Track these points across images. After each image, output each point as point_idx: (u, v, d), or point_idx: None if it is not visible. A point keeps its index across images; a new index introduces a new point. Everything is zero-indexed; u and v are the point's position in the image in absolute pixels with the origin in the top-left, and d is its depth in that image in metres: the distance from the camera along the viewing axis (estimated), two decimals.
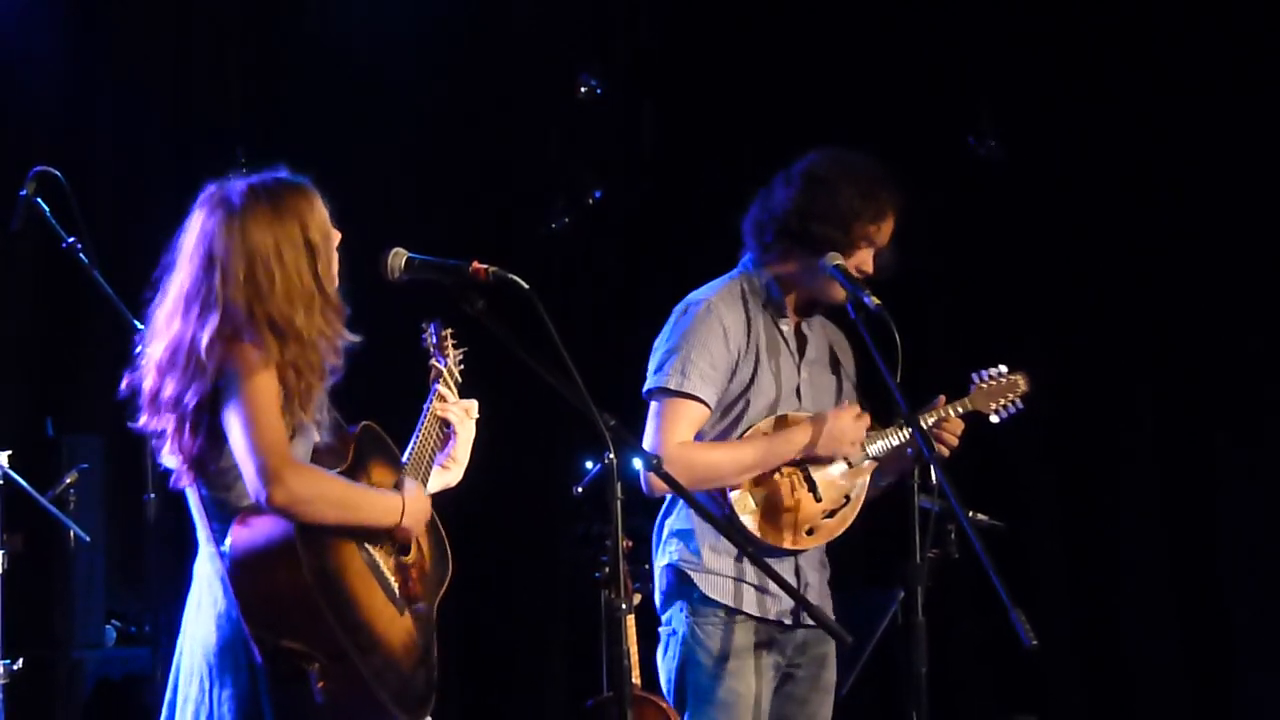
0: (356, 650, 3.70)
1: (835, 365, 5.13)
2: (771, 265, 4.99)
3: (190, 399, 3.80)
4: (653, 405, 4.88)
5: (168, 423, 3.85)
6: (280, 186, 3.92)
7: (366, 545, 3.88)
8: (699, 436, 4.87)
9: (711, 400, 4.85)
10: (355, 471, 3.93)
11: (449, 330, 4.42)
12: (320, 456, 3.93)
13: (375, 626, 3.81)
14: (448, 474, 4.33)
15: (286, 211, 3.87)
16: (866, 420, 4.92)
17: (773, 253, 4.98)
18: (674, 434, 4.79)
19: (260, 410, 3.73)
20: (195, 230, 3.90)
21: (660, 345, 4.93)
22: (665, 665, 4.92)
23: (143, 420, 3.90)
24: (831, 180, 4.90)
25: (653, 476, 4.68)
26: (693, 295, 4.99)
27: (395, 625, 3.88)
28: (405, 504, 3.91)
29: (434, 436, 4.22)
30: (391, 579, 3.91)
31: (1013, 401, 5.17)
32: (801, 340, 5.05)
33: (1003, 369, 5.17)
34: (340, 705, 3.73)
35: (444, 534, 4.17)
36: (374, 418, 4.13)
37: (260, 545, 3.74)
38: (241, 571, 3.75)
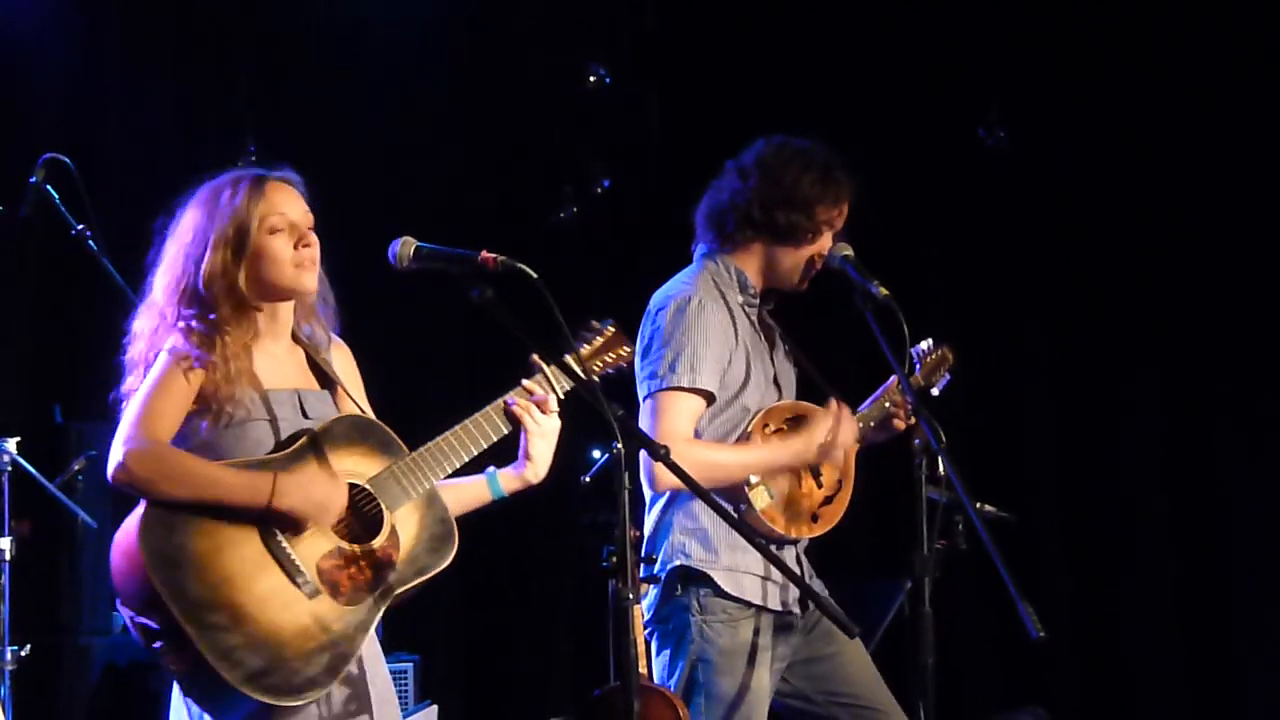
0: (197, 628, 3.76)
1: (788, 353, 5.15)
2: (733, 255, 5.00)
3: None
4: (651, 402, 4.85)
5: None
6: (222, 185, 4.10)
7: (275, 530, 3.89)
8: (696, 432, 4.87)
9: (716, 390, 4.86)
10: (287, 462, 3.95)
11: (614, 330, 4.40)
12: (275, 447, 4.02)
13: (246, 609, 3.82)
14: (524, 472, 4.30)
15: (216, 211, 4.06)
16: (854, 423, 4.94)
17: (733, 243, 4.99)
18: (679, 429, 4.78)
19: (145, 395, 3.98)
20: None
21: (656, 345, 4.88)
22: (667, 664, 4.90)
23: None
24: (788, 168, 4.93)
25: (658, 473, 4.73)
26: (672, 291, 4.97)
27: (289, 610, 3.87)
28: (278, 485, 3.87)
29: (483, 429, 4.18)
30: (305, 565, 3.90)
31: (945, 373, 5.28)
32: (768, 330, 5.08)
33: (930, 342, 5.24)
34: (190, 680, 3.87)
35: (454, 528, 4.14)
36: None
37: (124, 525, 3.90)
38: (111, 551, 3.91)
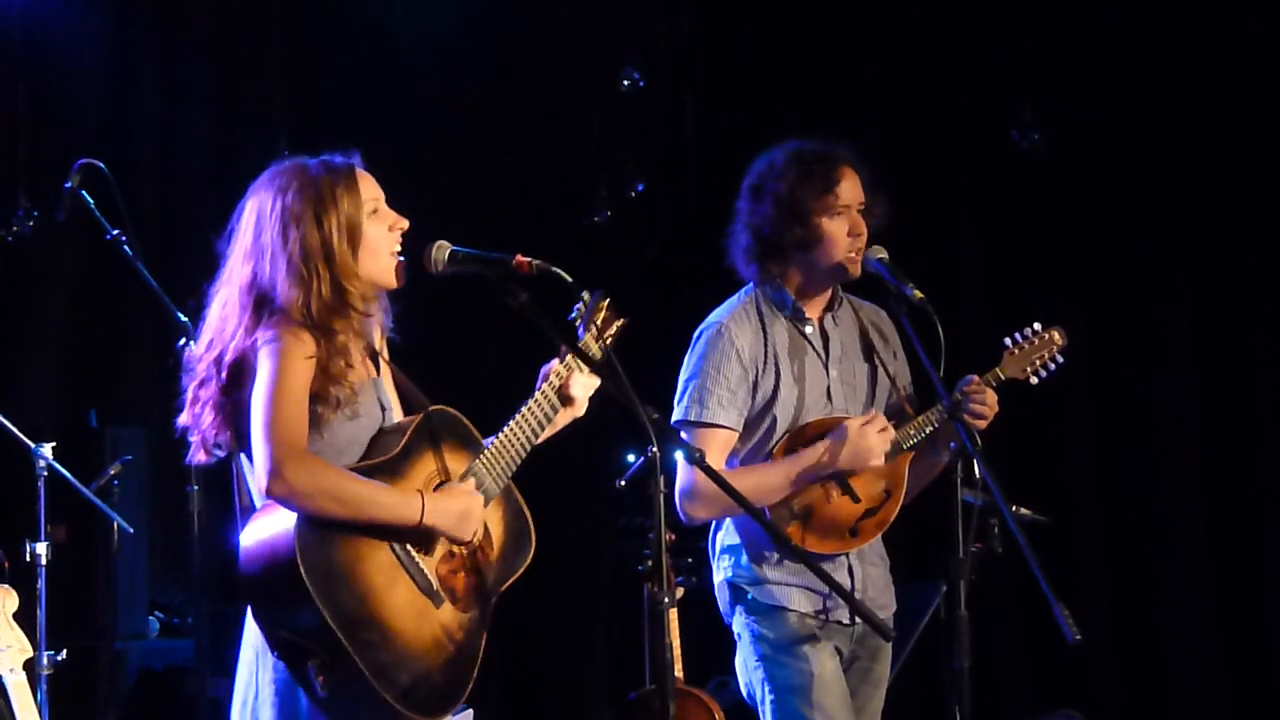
0: (357, 645, 3.67)
1: (869, 352, 5.08)
2: (775, 279, 4.97)
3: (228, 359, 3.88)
4: (682, 437, 4.86)
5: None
6: (316, 170, 4.00)
7: (399, 540, 3.83)
8: (734, 457, 4.88)
9: (733, 423, 4.85)
10: (398, 462, 3.87)
11: (607, 301, 4.25)
12: (372, 445, 3.92)
13: (390, 622, 3.76)
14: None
15: (321, 194, 3.95)
16: (890, 432, 4.84)
17: (768, 270, 4.96)
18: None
19: (274, 400, 3.76)
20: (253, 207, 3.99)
21: (681, 375, 4.94)
22: (741, 669, 4.95)
23: None
24: (767, 184, 4.89)
25: (685, 507, 4.79)
26: (708, 319, 4.98)
27: (423, 621, 3.83)
28: (427, 505, 3.81)
29: (539, 415, 4.13)
30: (430, 574, 3.86)
31: (1051, 359, 5.03)
32: (826, 339, 5.02)
33: (1036, 326, 5.03)
34: (342, 698, 3.73)
35: (529, 522, 4.11)
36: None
37: (264, 537, 3.75)
38: (246, 562, 3.78)
